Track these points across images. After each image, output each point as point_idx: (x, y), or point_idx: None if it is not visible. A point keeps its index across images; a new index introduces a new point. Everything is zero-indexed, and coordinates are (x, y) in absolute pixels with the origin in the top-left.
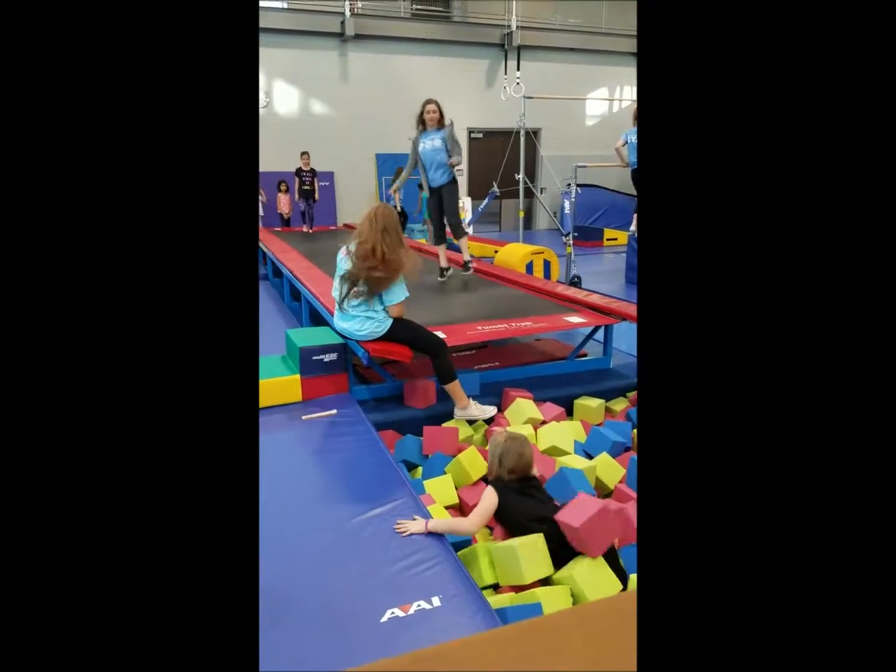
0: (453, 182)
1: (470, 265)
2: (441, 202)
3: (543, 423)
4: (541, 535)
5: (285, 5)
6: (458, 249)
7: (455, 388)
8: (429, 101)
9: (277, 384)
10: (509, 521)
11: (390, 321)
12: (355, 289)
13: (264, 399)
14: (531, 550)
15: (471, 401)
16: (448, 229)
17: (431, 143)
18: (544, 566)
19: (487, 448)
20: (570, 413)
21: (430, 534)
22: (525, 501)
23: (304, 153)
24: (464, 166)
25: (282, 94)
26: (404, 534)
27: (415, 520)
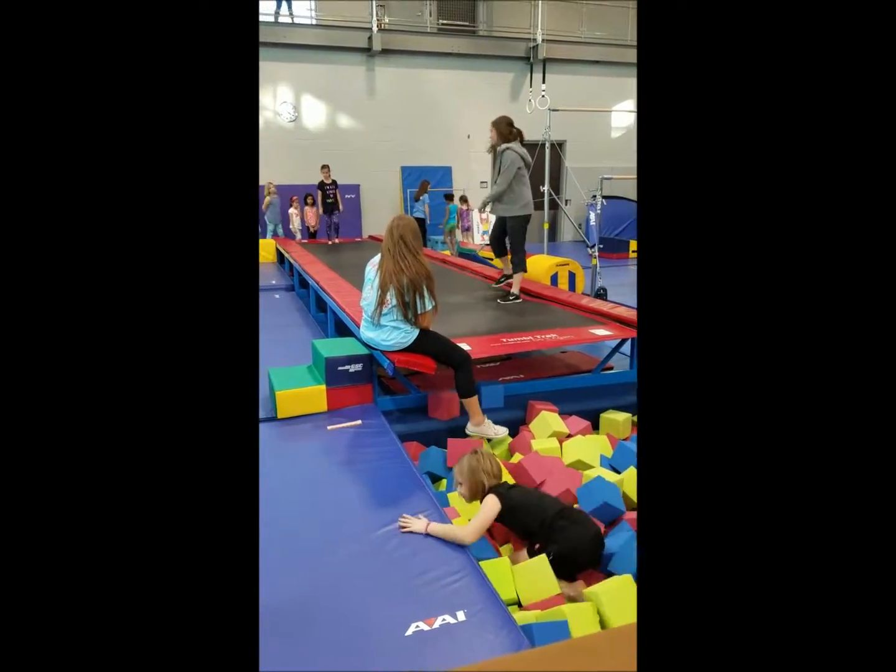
0: (521, 214)
1: (511, 298)
2: (504, 227)
3: (569, 436)
4: (544, 556)
5: (314, 21)
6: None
7: (473, 403)
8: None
9: (303, 394)
10: (527, 520)
11: (417, 332)
12: (386, 299)
13: (290, 409)
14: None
15: (485, 419)
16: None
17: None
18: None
19: (459, 474)
20: (596, 427)
21: (454, 546)
22: (534, 496)
23: (324, 166)
24: (489, 178)
25: (310, 108)
26: (404, 529)
27: (419, 518)
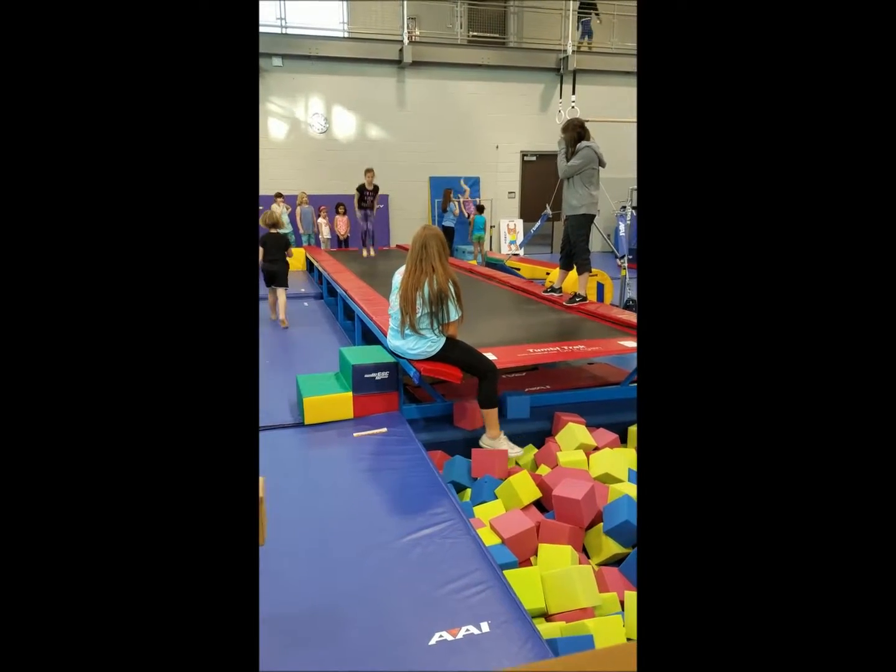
0: (583, 214)
1: (577, 299)
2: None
3: (596, 449)
4: (588, 567)
5: (346, 34)
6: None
7: (492, 415)
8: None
9: (330, 401)
10: None
11: (443, 341)
12: (410, 308)
13: (317, 415)
14: (586, 577)
15: (502, 433)
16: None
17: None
18: (594, 595)
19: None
20: (624, 440)
21: (480, 556)
22: None
23: (368, 170)
24: (516, 189)
25: (340, 119)
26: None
27: None
